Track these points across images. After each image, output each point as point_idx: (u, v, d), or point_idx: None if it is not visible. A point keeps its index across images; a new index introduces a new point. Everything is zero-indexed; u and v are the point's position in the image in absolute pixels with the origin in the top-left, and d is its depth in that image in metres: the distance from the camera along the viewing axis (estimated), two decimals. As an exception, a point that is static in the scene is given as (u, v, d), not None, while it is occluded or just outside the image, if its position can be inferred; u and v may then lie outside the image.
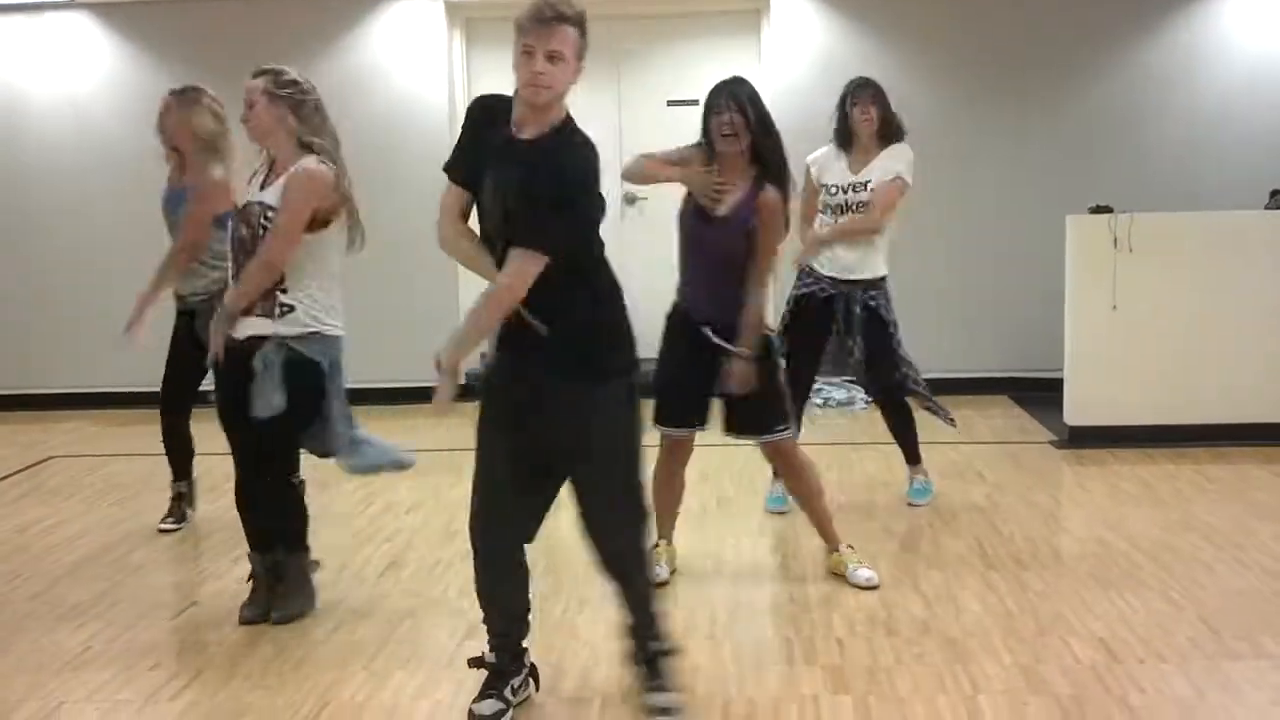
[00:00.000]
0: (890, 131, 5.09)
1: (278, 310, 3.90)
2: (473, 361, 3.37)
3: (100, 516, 5.51)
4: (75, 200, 8.08)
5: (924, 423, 5.40)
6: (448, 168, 3.22)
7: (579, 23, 3.04)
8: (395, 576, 4.55)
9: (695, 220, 4.21)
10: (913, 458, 5.37)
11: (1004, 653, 3.66)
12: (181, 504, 5.29)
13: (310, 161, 3.88)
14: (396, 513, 5.42)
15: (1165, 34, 7.65)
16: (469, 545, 3.30)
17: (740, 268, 4.15)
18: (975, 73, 7.70)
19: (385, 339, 7.03)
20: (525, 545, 3.31)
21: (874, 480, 5.61)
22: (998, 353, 7.77)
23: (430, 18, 7.94)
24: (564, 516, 3.33)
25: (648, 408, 4.08)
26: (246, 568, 4.23)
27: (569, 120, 3.11)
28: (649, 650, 3.31)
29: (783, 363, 4.44)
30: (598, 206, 3.14)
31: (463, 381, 3.15)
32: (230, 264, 4.00)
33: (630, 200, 7.74)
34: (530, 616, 3.40)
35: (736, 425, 4.31)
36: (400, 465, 4.34)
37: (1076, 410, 6.36)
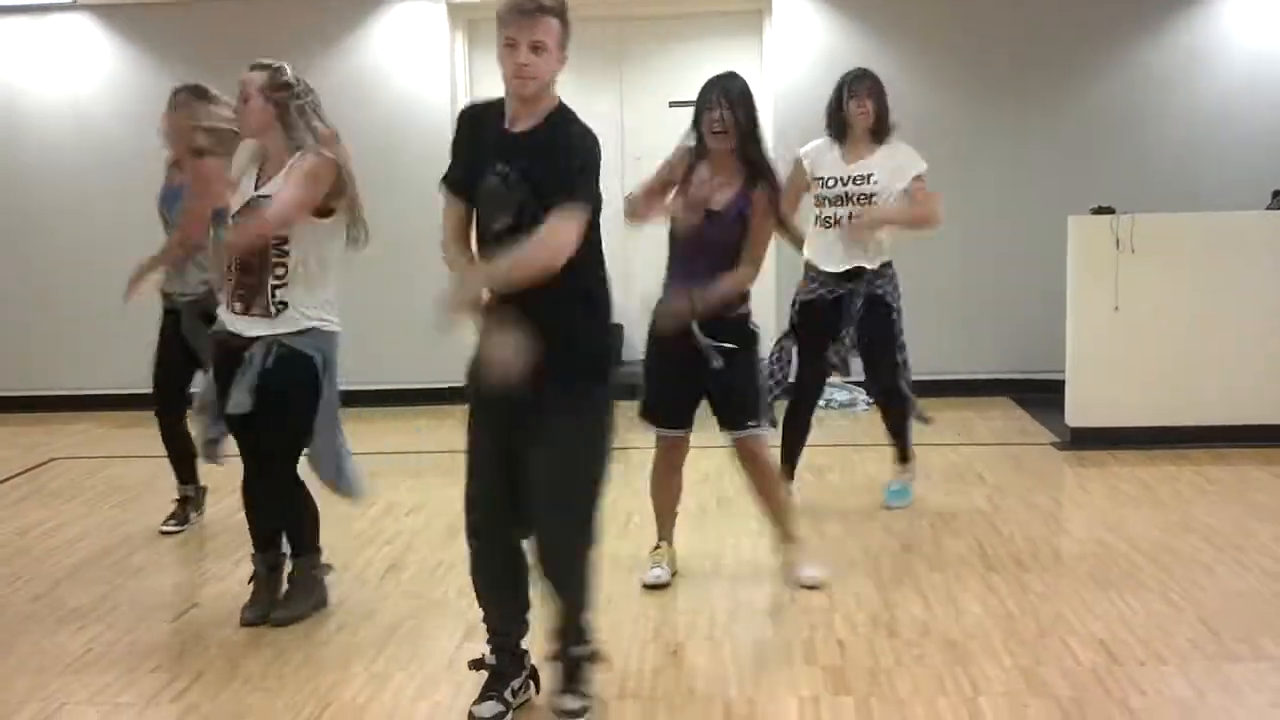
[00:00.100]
0: (884, 126, 5.08)
1: (274, 308, 3.90)
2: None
3: (101, 519, 5.51)
4: (76, 201, 8.09)
5: (918, 422, 5.40)
6: (448, 182, 3.23)
7: (560, 12, 3.06)
8: (396, 578, 4.55)
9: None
10: (903, 456, 5.36)
11: (1004, 654, 3.66)
12: (186, 507, 5.29)
13: (313, 151, 3.88)
14: (397, 514, 5.42)
15: (1165, 34, 7.65)
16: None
17: (727, 261, 4.17)
18: (976, 73, 7.70)
19: (385, 340, 7.04)
20: (523, 543, 3.31)
21: (875, 481, 5.61)
22: (998, 354, 7.78)
23: (432, 19, 7.95)
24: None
25: (632, 410, 4.11)
26: (248, 570, 4.23)
27: (562, 107, 3.13)
28: (570, 654, 3.30)
29: (766, 360, 4.42)
30: (599, 195, 3.15)
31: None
32: (234, 259, 3.95)
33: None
34: (529, 616, 3.39)
35: (717, 418, 4.29)
36: (350, 493, 4.21)
37: (1078, 412, 6.36)
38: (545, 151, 3.04)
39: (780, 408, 5.25)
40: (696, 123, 4.19)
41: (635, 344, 4.51)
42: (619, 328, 8.33)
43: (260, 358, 3.89)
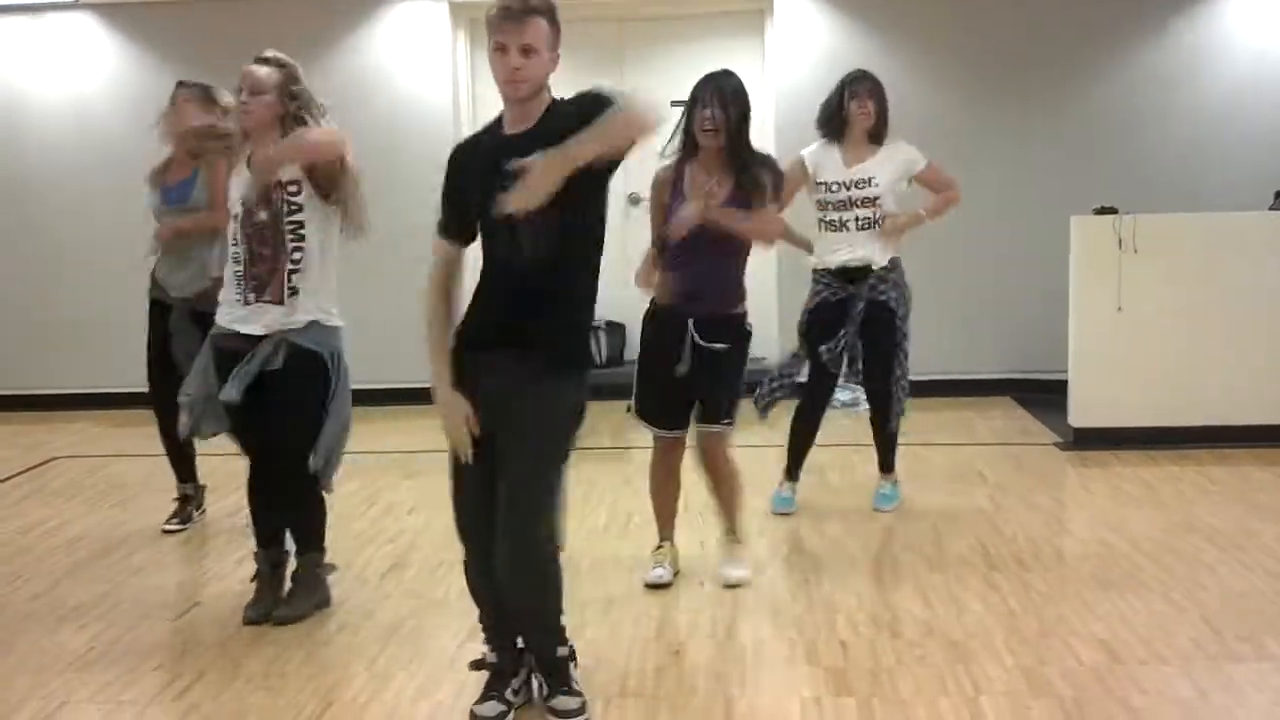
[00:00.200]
0: (881, 128, 5.08)
1: (286, 292, 3.91)
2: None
3: (102, 517, 5.51)
4: (78, 200, 8.09)
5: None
6: (444, 229, 3.27)
7: (548, 13, 3.09)
8: (397, 578, 4.55)
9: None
10: (885, 465, 5.36)
11: (1006, 654, 3.65)
12: (187, 506, 5.29)
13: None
14: (398, 514, 5.42)
15: (1168, 34, 7.64)
16: (466, 545, 3.30)
17: (729, 259, 4.17)
18: (978, 73, 7.70)
19: (386, 339, 7.03)
20: None
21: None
22: (1000, 353, 7.77)
23: (434, 18, 7.95)
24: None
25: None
26: (250, 569, 4.24)
27: (556, 100, 3.15)
28: (555, 657, 3.29)
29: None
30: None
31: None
32: (243, 252, 3.94)
33: (635, 201, 7.73)
34: None
35: (696, 405, 4.28)
36: (326, 486, 4.17)
37: (1081, 412, 6.35)
38: (556, 139, 3.02)
39: (784, 410, 5.28)
40: (688, 120, 4.21)
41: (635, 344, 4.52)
42: (620, 327, 8.42)
43: (266, 354, 3.90)
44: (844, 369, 5.16)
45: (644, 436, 4.45)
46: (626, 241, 6.49)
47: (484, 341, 3.17)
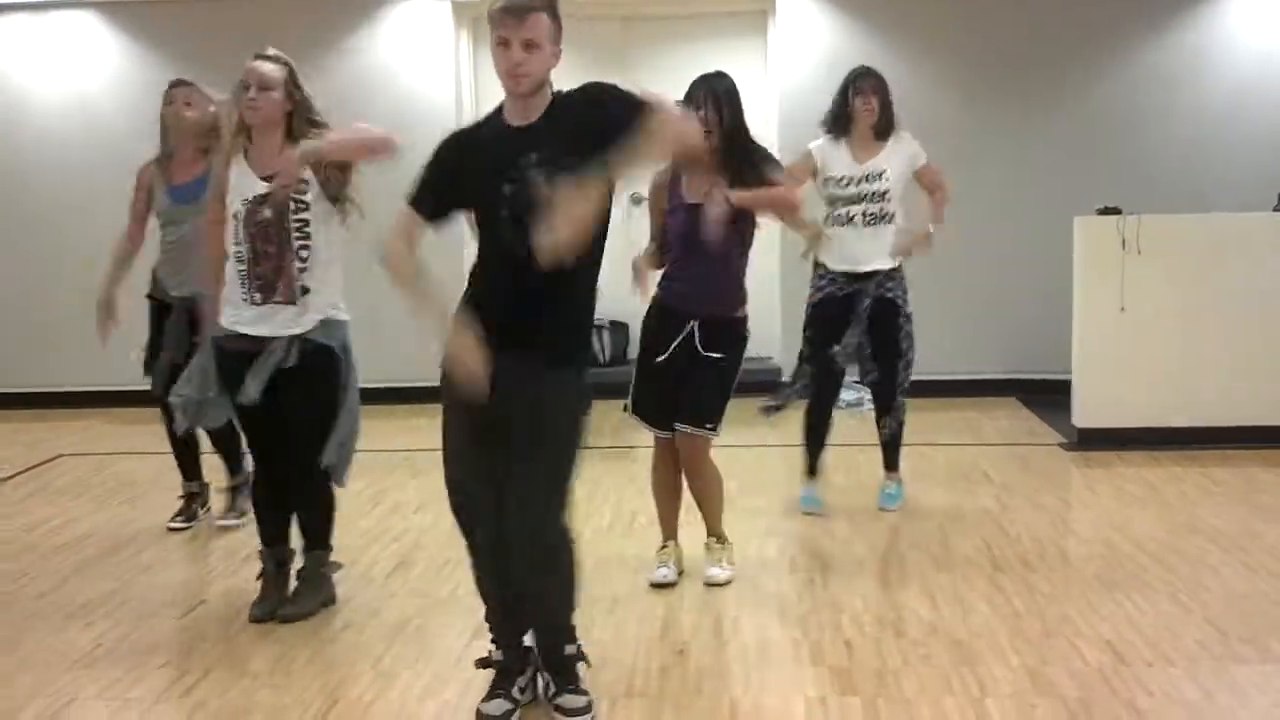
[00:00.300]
0: (887, 124, 5.09)
1: (297, 292, 3.92)
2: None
3: (109, 515, 5.52)
4: (82, 198, 8.08)
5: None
6: (413, 201, 3.24)
7: (550, 8, 3.10)
8: (403, 576, 4.56)
9: (684, 212, 4.24)
10: (890, 464, 5.37)
11: (1011, 655, 3.66)
12: (193, 504, 5.30)
13: None
14: (404, 512, 5.43)
15: (1171, 33, 7.64)
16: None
17: (730, 260, 4.18)
18: (980, 73, 7.71)
19: (389, 337, 7.03)
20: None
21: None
22: (1003, 354, 7.78)
23: (437, 17, 7.96)
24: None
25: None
26: (255, 567, 4.24)
27: (559, 92, 3.17)
28: (563, 654, 3.31)
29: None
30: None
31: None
32: (246, 251, 3.94)
33: (637, 201, 7.73)
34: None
35: (683, 408, 4.26)
36: (338, 480, 4.19)
37: (1085, 412, 6.35)
38: (564, 131, 3.07)
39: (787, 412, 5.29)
40: None
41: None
42: (623, 327, 8.41)
43: (281, 353, 3.91)
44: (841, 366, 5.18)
45: (648, 436, 4.46)
46: (630, 241, 6.48)
47: (490, 340, 3.16)
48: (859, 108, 5.06)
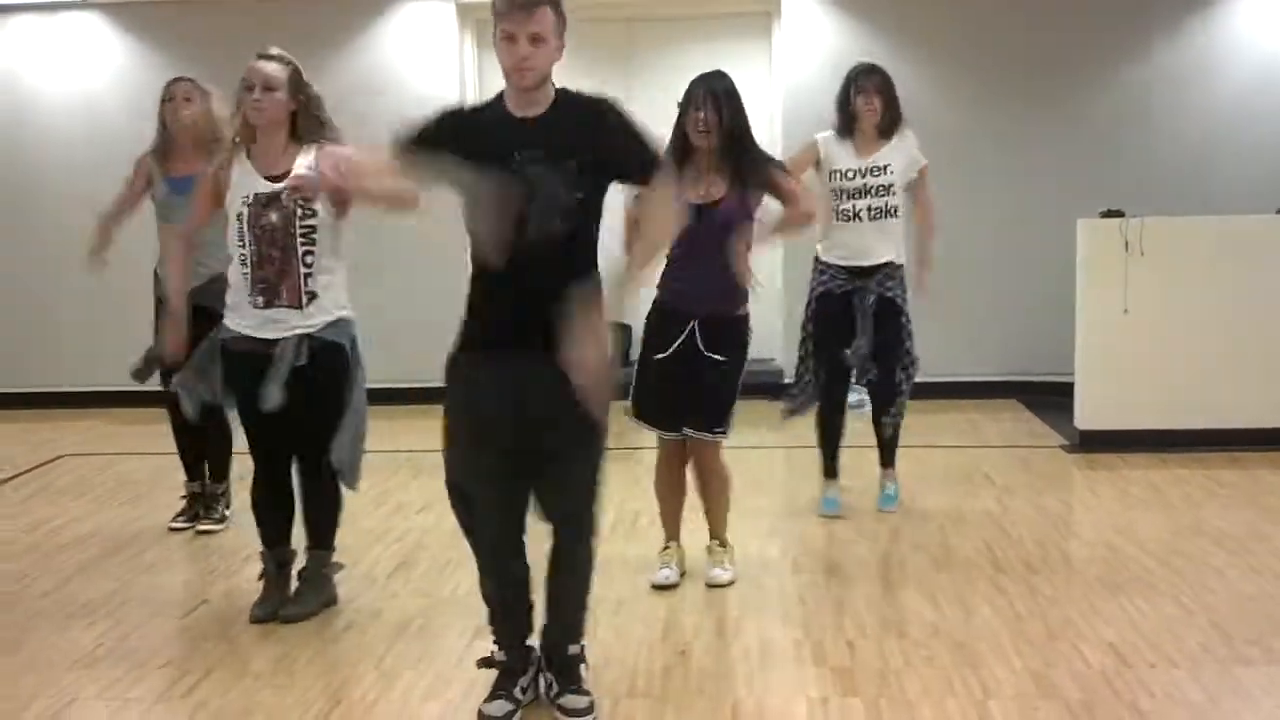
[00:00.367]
0: (891, 121, 5.08)
1: (305, 297, 3.91)
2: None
3: (111, 515, 5.52)
4: (87, 197, 8.03)
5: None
6: (398, 148, 3.17)
7: (555, 2, 3.11)
8: (405, 576, 4.56)
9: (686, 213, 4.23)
10: (886, 460, 5.36)
11: (1014, 657, 3.65)
12: (195, 504, 5.30)
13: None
14: (407, 513, 5.43)
15: (1178, 35, 7.64)
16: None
17: (726, 258, 4.18)
18: (984, 75, 7.70)
19: (393, 338, 7.04)
20: (523, 543, 3.31)
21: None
22: (1006, 356, 7.77)
23: (441, 19, 7.97)
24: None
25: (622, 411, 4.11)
26: (257, 567, 4.24)
27: (563, 90, 3.19)
28: (568, 653, 3.31)
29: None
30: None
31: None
32: (250, 254, 3.92)
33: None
34: (534, 614, 3.38)
35: (690, 412, 4.27)
36: (350, 482, 4.21)
37: (1088, 415, 6.34)
38: (565, 131, 3.09)
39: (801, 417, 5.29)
40: (681, 121, 4.21)
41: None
42: (626, 328, 8.41)
43: (292, 353, 3.90)
44: (855, 370, 5.17)
45: (651, 437, 4.45)
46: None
47: (500, 340, 3.14)
48: (861, 107, 5.05)
